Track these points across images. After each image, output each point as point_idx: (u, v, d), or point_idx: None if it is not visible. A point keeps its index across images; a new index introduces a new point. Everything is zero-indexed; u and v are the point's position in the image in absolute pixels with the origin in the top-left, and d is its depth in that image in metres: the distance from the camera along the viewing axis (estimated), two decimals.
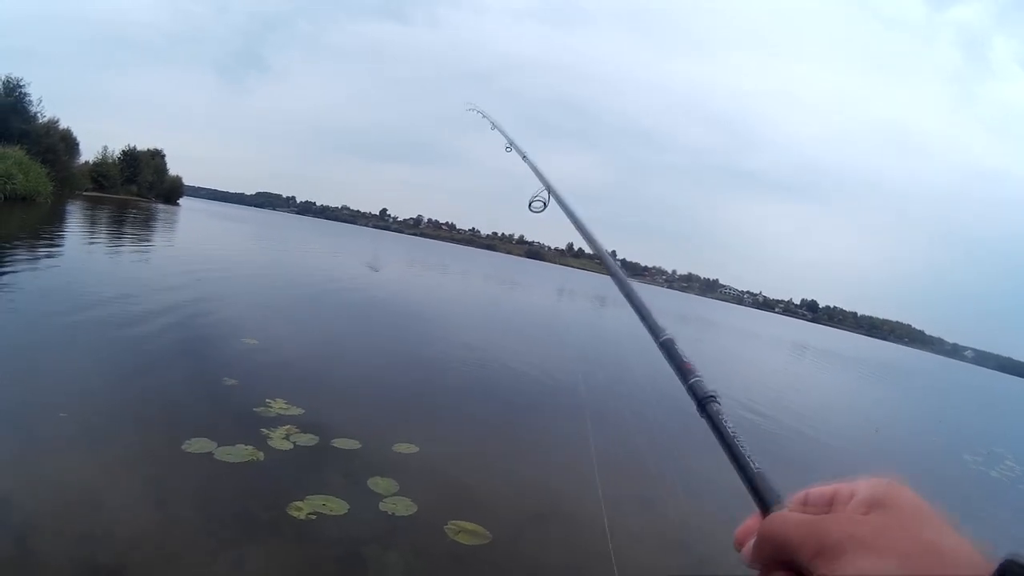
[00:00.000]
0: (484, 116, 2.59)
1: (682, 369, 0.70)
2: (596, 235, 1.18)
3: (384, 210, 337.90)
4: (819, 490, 0.52)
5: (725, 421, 0.61)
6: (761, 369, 19.32)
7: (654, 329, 0.78)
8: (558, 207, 1.44)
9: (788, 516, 0.49)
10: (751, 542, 0.51)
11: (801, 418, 10.28)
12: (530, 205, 1.54)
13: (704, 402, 0.64)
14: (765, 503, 0.53)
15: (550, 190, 1.51)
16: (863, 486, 0.49)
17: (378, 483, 4.37)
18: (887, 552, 0.42)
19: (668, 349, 0.73)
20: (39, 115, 41.83)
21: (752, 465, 0.56)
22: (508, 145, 2.13)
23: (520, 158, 1.90)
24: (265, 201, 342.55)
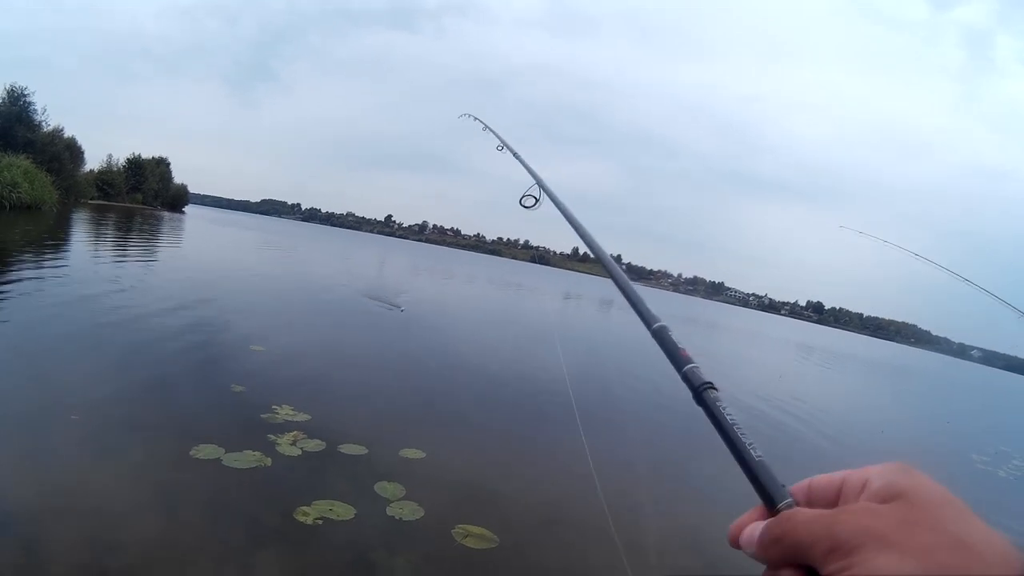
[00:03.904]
0: (477, 119, 2.65)
1: (676, 357, 0.66)
2: (588, 229, 1.15)
3: (389, 216, 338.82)
4: (825, 479, 0.49)
5: (724, 409, 0.57)
6: (763, 371, 19.25)
7: (646, 317, 0.75)
8: (549, 203, 1.44)
9: (796, 514, 0.45)
10: (752, 535, 0.48)
11: (804, 419, 10.25)
12: (521, 201, 1.55)
13: (700, 390, 0.60)
14: (768, 494, 0.50)
15: (541, 185, 1.52)
16: (875, 473, 0.45)
17: (385, 488, 4.39)
18: (907, 548, 0.38)
19: (661, 337, 0.70)
20: (44, 124, 42.12)
21: (753, 455, 0.52)
22: (500, 145, 2.17)
23: (512, 156, 1.93)
24: (270, 208, 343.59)
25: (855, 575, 0.39)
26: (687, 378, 0.63)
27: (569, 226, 1.22)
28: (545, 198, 1.50)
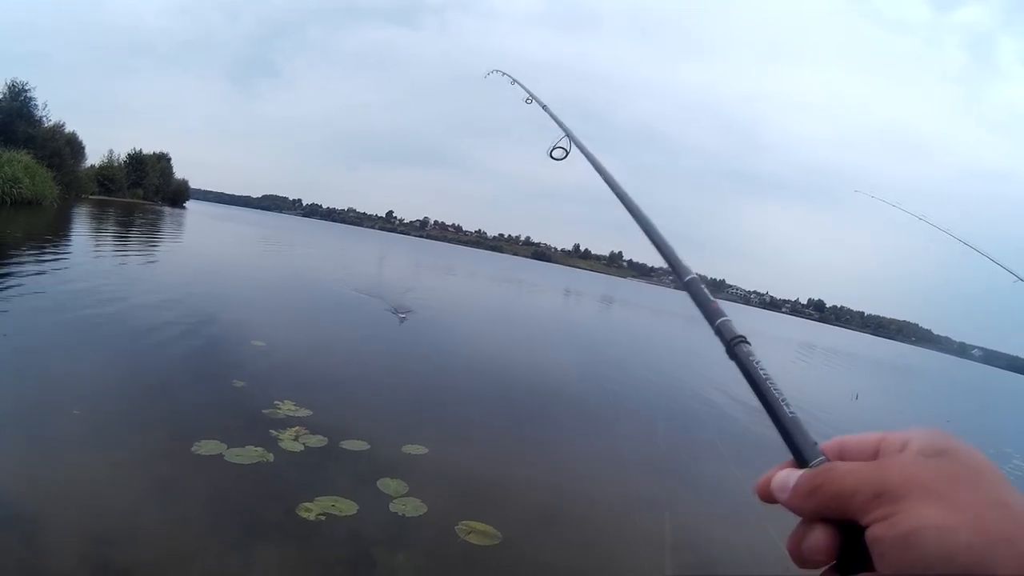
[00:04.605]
0: (505, 74, 2.63)
1: (708, 310, 0.65)
2: (617, 179, 1.12)
3: (390, 212, 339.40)
4: (859, 438, 0.48)
5: (757, 363, 0.57)
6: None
7: (678, 269, 0.73)
8: (578, 155, 1.40)
9: (840, 465, 0.45)
10: (787, 482, 0.47)
11: (803, 419, 10.22)
12: (551, 153, 1.53)
13: (733, 343, 0.59)
14: (799, 452, 0.49)
15: (570, 136, 1.50)
16: (916, 435, 0.44)
17: (388, 484, 4.37)
18: (953, 501, 0.38)
19: (693, 289, 0.69)
20: (45, 119, 42.03)
21: (786, 410, 0.52)
22: (528, 97, 2.15)
23: (540, 108, 1.92)
24: (271, 204, 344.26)
25: (899, 522, 0.39)
26: (720, 332, 0.61)
27: (600, 177, 1.18)
28: (575, 150, 1.47)
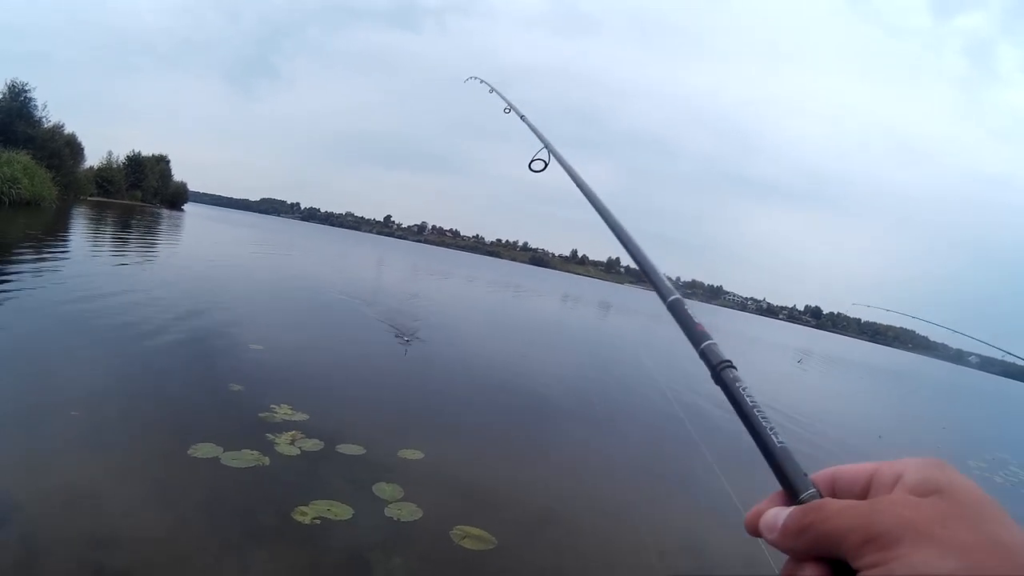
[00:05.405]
0: (483, 81, 2.63)
1: (693, 332, 0.62)
2: (596, 192, 1.10)
3: (388, 216, 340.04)
4: (852, 469, 0.47)
5: (745, 390, 0.54)
6: (757, 376, 19.25)
7: (661, 289, 0.70)
8: (558, 167, 1.39)
9: (827, 504, 0.43)
10: (775, 521, 0.45)
11: (798, 425, 10.23)
12: (530, 165, 1.52)
13: (719, 369, 0.57)
14: (790, 484, 0.47)
15: (549, 148, 1.50)
16: (911, 466, 0.43)
17: (383, 488, 4.38)
18: (948, 544, 0.36)
19: (677, 310, 0.66)
20: (44, 120, 42.05)
21: (775, 440, 0.50)
22: (507, 107, 2.15)
23: (519, 118, 1.92)
24: (270, 207, 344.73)
25: (893, 570, 0.37)
26: (705, 355, 0.59)
27: (578, 190, 1.18)
28: (554, 162, 1.47)
